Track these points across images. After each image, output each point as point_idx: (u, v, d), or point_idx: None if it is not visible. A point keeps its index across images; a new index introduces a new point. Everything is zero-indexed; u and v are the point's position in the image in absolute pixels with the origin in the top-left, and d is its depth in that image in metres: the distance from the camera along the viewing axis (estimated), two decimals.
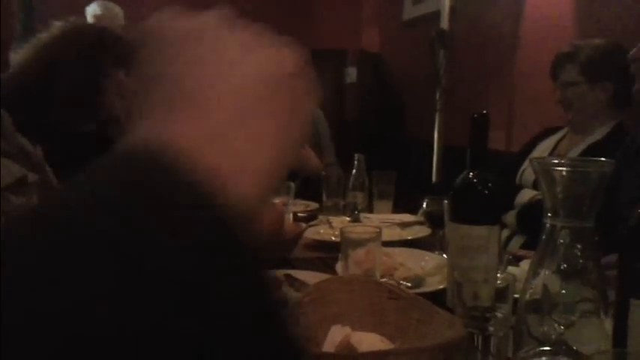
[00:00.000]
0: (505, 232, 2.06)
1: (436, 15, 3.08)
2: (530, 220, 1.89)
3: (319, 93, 0.38)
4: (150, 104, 0.33)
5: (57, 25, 1.57)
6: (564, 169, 0.75)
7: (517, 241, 2.04)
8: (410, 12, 3.92)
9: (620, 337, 0.72)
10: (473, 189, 1.02)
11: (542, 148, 2.18)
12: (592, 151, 1.94)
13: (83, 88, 1.54)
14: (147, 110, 0.33)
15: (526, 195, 2.02)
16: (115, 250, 0.23)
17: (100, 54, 1.57)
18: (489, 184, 1.01)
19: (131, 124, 0.32)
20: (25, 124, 1.04)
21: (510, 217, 2.03)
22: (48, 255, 0.23)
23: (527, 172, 2.11)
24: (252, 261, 0.28)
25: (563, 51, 2.11)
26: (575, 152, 2.02)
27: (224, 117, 0.32)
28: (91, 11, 3.27)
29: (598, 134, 2.02)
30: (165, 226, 0.25)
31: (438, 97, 2.98)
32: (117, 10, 3.35)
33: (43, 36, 1.55)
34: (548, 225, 0.78)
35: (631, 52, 1.44)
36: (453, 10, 2.96)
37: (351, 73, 4.33)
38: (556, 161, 0.75)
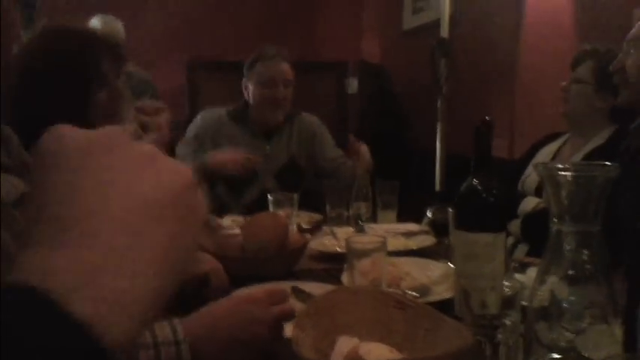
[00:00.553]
0: (509, 240, 2.05)
1: (436, 24, 3.08)
2: (535, 228, 1.88)
3: (205, 208, 0.38)
4: (36, 231, 0.33)
5: (40, 28, 1.44)
6: (569, 173, 0.74)
7: (522, 249, 2.03)
8: (410, 22, 3.93)
9: (630, 341, 0.72)
10: (477, 196, 1.01)
11: (544, 155, 2.17)
12: (594, 156, 1.94)
13: (60, 105, 1.32)
14: (33, 238, 0.33)
15: (530, 203, 2.01)
16: None
17: (79, 69, 1.41)
18: (494, 191, 1.01)
19: (19, 252, 0.33)
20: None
21: (514, 227, 2.02)
22: None
23: (529, 179, 2.11)
24: None
25: (587, 47, 2.12)
26: (577, 157, 2.02)
27: (104, 249, 0.32)
28: (92, 25, 3.28)
29: (600, 138, 2.02)
30: None
31: (439, 105, 2.98)
32: (118, 24, 3.36)
33: (27, 39, 1.42)
34: (554, 230, 0.78)
35: (613, 64, 1.45)
36: (453, 18, 2.96)
37: (353, 84, 4.34)
38: (561, 166, 0.75)
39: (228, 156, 2.36)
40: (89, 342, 0.29)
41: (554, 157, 2.15)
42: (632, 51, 1.63)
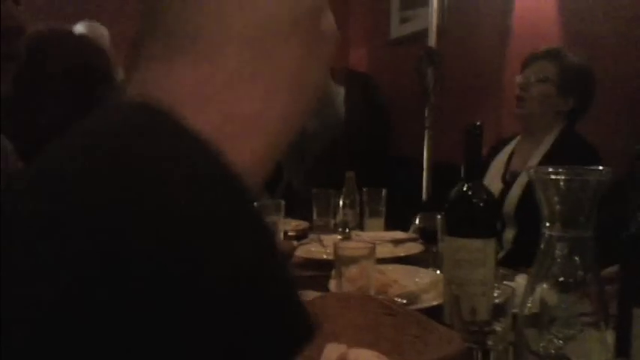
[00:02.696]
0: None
1: (424, 33, 3.09)
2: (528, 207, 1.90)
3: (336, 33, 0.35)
4: (150, 49, 0.29)
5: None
6: (562, 177, 0.74)
7: (508, 232, 2.02)
8: (397, 31, 3.94)
9: (622, 348, 0.71)
10: (468, 201, 1.01)
11: (499, 162, 2.17)
12: (548, 161, 1.94)
13: (66, 108, 1.35)
14: (146, 57, 0.29)
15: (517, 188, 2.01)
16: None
17: (89, 73, 1.43)
18: (484, 197, 1.00)
19: (128, 75, 0.28)
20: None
21: (508, 206, 2.00)
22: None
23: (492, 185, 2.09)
24: (264, 228, 0.25)
25: (547, 48, 2.13)
26: (532, 162, 2.03)
27: (232, 66, 0.28)
28: (76, 31, 3.26)
29: (547, 142, 2.03)
30: (172, 194, 0.22)
31: (427, 114, 2.98)
32: (102, 30, 3.34)
33: None
34: (545, 236, 0.77)
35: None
36: (440, 28, 2.97)
37: (339, 92, 4.33)
38: (553, 170, 0.74)
39: None
40: (218, 164, 0.24)
41: (508, 164, 2.15)
42: None
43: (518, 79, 2.11)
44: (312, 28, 0.32)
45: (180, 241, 0.22)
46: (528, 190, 1.94)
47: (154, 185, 0.22)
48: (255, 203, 0.25)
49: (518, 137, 2.20)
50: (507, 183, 2.08)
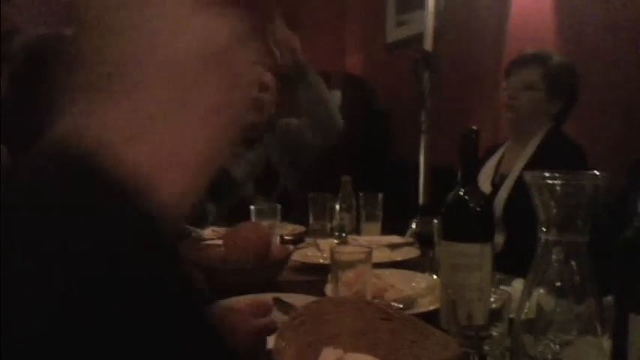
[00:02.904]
0: None
1: (420, 37, 3.09)
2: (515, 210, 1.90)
3: (272, 57, 0.35)
4: (73, 77, 0.29)
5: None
6: (558, 182, 0.74)
7: (498, 236, 2.02)
8: (393, 35, 3.94)
9: (619, 354, 0.71)
10: (464, 206, 1.01)
11: (488, 168, 2.18)
12: (534, 163, 1.95)
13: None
14: (69, 84, 0.29)
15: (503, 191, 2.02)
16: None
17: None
18: (481, 201, 1.00)
19: (53, 111, 0.29)
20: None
21: (496, 208, 2.00)
22: None
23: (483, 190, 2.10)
24: (177, 260, 0.27)
25: (530, 51, 2.13)
26: (518, 168, 2.03)
27: (149, 105, 0.28)
28: None
29: (533, 144, 2.04)
30: (88, 230, 0.24)
31: (423, 118, 2.98)
32: None
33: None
34: (542, 241, 0.77)
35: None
36: (436, 32, 2.97)
37: (336, 96, 4.33)
38: (549, 174, 0.74)
39: None
40: (139, 198, 0.26)
41: (497, 170, 2.15)
42: None
43: (505, 86, 2.13)
44: (227, 64, 0.32)
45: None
46: (515, 193, 1.95)
47: (63, 233, 0.24)
48: (172, 236, 0.27)
49: (508, 141, 2.21)
50: (495, 186, 2.08)
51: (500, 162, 2.17)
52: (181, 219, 0.30)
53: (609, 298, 0.81)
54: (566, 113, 2.09)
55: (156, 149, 0.28)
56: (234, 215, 2.06)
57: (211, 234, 2.02)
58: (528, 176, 0.76)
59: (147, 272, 0.25)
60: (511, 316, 0.81)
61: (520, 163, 2.02)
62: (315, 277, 1.48)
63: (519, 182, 1.98)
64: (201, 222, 2.33)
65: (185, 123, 0.29)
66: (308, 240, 1.94)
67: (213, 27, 0.32)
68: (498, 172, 2.13)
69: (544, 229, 0.76)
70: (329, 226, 2.05)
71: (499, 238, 2.01)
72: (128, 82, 0.29)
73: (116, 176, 0.25)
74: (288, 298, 1.25)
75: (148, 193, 0.26)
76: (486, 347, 0.79)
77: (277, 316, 1.01)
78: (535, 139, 2.04)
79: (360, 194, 2.04)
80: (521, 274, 1.23)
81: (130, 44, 0.29)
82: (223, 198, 2.48)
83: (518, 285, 1.18)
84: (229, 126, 0.32)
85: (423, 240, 1.65)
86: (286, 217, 2.10)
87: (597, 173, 0.73)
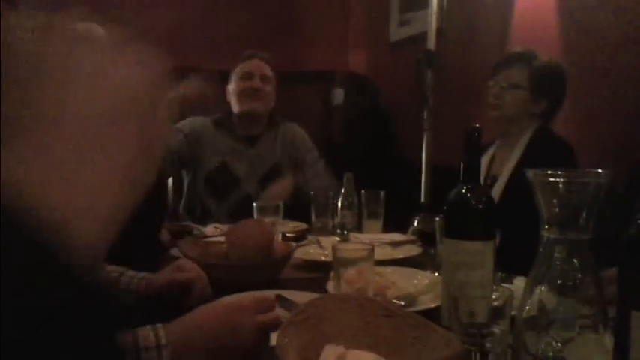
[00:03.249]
0: None
1: (423, 36, 3.09)
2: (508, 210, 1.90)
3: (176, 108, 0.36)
4: (3, 130, 0.30)
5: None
6: (560, 180, 0.74)
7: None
8: (397, 34, 3.94)
9: (621, 351, 0.71)
10: (466, 204, 1.01)
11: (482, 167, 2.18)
12: (524, 163, 1.95)
13: None
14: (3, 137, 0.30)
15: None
16: None
17: None
18: (483, 199, 1.00)
19: None
20: None
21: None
22: None
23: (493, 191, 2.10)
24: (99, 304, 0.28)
25: (517, 51, 2.14)
26: (508, 169, 2.03)
27: (66, 153, 0.29)
28: None
29: (522, 144, 2.04)
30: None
31: (425, 117, 2.98)
32: (99, 31, 3.33)
33: None
34: (544, 239, 0.77)
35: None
36: (439, 31, 2.97)
37: (339, 95, 4.33)
38: (551, 173, 0.74)
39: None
40: (51, 248, 0.26)
41: (488, 170, 2.15)
42: None
43: (491, 85, 2.13)
44: (143, 111, 0.33)
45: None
46: (507, 194, 1.95)
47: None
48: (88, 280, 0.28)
49: (498, 141, 2.21)
50: (487, 187, 2.08)
51: (491, 162, 2.17)
52: (97, 258, 0.30)
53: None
54: (552, 113, 2.09)
55: (70, 196, 0.29)
56: (237, 212, 2.06)
57: (213, 231, 2.03)
58: (530, 174, 0.76)
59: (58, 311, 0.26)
60: (513, 313, 0.82)
61: (510, 164, 2.03)
62: (317, 274, 1.49)
63: (511, 183, 1.98)
64: (204, 219, 2.34)
65: (99, 171, 0.30)
66: (310, 237, 1.94)
67: (131, 75, 0.33)
68: (490, 174, 2.13)
69: (546, 227, 0.76)
70: (331, 223, 2.05)
71: None
72: (45, 132, 0.30)
73: (31, 222, 0.26)
74: (290, 295, 1.25)
75: (61, 238, 0.27)
76: (488, 344, 0.80)
77: (280, 312, 1.01)
78: (523, 140, 2.05)
79: (363, 192, 2.04)
80: (515, 273, 1.24)
81: (48, 95, 0.30)
82: (226, 195, 2.49)
83: (520, 282, 1.19)
84: (139, 182, 0.33)
85: (425, 237, 1.66)
86: (288, 215, 2.10)
87: (600, 171, 0.73)
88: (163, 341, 0.80)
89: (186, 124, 2.57)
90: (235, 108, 2.59)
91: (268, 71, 2.62)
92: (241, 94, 2.56)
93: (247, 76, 2.58)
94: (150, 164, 0.34)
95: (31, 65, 0.31)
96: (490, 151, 2.20)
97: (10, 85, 0.30)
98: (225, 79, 2.66)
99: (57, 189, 0.28)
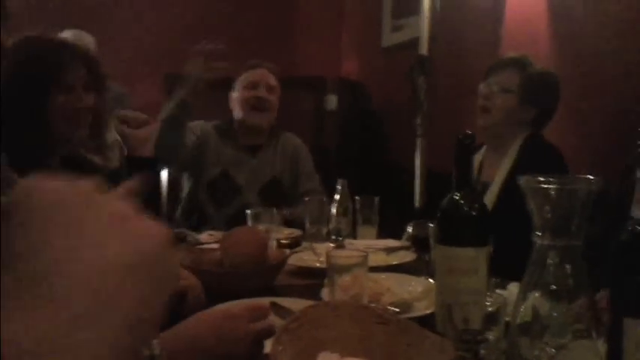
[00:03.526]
0: None
1: (415, 42, 3.10)
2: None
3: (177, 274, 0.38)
4: (8, 286, 0.31)
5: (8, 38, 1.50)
6: (552, 186, 0.74)
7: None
8: (389, 39, 3.95)
9: (614, 357, 0.71)
10: (459, 210, 1.01)
11: None
12: (516, 170, 1.94)
13: (20, 105, 1.45)
14: (6, 293, 0.30)
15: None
16: None
17: (38, 72, 1.49)
18: (476, 205, 1.01)
19: None
20: None
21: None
22: None
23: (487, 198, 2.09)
24: None
25: (511, 55, 2.13)
26: (500, 177, 2.03)
27: (75, 309, 0.30)
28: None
29: (512, 152, 2.04)
30: None
31: (418, 122, 2.98)
32: (89, 39, 3.33)
33: None
34: (537, 245, 0.77)
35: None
36: (432, 36, 2.98)
37: (332, 101, 4.34)
38: (544, 179, 0.75)
39: None
40: None
41: (479, 174, 2.14)
42: None
43: (482, 87, 2.12)
44: (151, 271, 0.34)
45: None
46: (499, 200, 1.94)
47: None
48: None
49: (484, 147, 2.20)
50: (480, 193, 2.08)
51: (480, 169, 2.16)
52: None
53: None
54: (542, 122, 2.08)
55: (81, 356, 0.29)
56: (236, 221, 2.06)
57: (208, 238, 2.02)
58: (523, 181, 0.76)
59: None
60: (507, 319, 0.82)
61: (502, 172, 2.02)
62: (311, 281, 1.49)
63: (504, 190, 1.97)
64: (201, 226, 2.34)
65: (106, 329, 0.31)
66: (304, 244, 1.94)
67: (142, 234, 0.34)
68: (480, 181, 2.12)
69: (539, 234, 0.76)
70: (325, 230, 2.05)
71: None
72: (50, 290, 0.30)
73: None
74: (284, 302, 1.25)
75: None
76: (482, 351, 0.80)
77: (274, 320, 1.01)
78: (514, 147, 2.04)
79: (357, 198, 2.04)
80: (509, 279, 1.24)
81: (56, 251, 0.31)
82: (226, 203, 2.48)
83: (513, 288, 1.19)
84: (146, 324, 0.34)
85: (419, 244, 1.66)
86: (286, 222, 2.11)
87: (591, 178, 0.74)
88: (156, 351, 0.80)
89: (197, 126, 2.56)
90: (238, 116, 2.58)
91: (273, 81, 2.61)
92: (246, 104, 2.56)
93: (252, 85, 2.57)
94: (154, 320, 0.35)
95: (43, 217, 0.32)
96: (478, 157, 2.20)
97: (19, 239, 0.32)
98: (217, 84, 2.64)
99: (60, 351, 0.29)
